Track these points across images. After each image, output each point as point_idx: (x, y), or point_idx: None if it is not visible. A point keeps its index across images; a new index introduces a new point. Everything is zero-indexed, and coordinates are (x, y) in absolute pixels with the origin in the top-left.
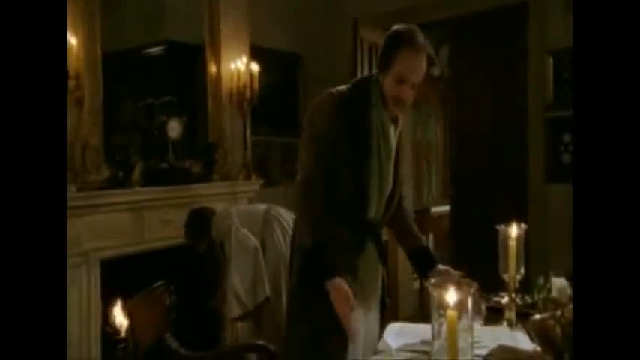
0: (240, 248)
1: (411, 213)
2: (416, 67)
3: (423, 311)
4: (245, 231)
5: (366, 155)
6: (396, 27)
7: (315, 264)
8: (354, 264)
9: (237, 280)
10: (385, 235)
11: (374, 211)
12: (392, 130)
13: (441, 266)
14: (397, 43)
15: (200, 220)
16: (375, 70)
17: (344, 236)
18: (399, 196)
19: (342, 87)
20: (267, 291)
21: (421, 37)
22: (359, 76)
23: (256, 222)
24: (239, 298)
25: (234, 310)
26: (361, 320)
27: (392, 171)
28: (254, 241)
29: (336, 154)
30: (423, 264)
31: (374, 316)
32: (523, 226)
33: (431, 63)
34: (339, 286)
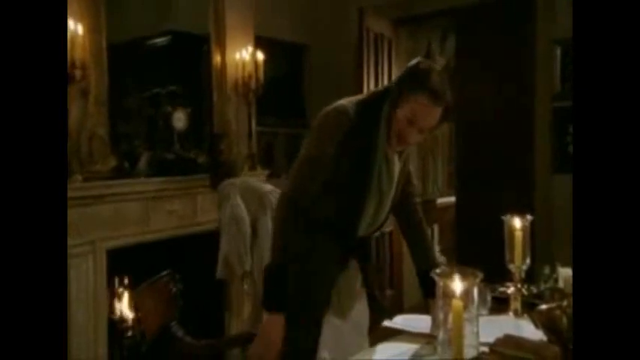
0: (232, 218)
1: (421, 215)
2: (429, 115)
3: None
4: (240, 203)
5: (366, 184)
6: (422, 63)
7: (269, 287)
8: (333, 277)
9: (225, 246)
10: (390, 225)
11: (364, 232)
12: (396, 158)
13: None
14: (419, 86)
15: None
16: (386, 83)
17: (328, 250)
18: (393, 209)
19: (351, 104)
20: (248, 267)
21: (445, 86)
22: (364, 66)
23: (253, 200)
24: (225, 262)
25: (219, 271)
26: (336, 327)
27: (392, 196)
28: (246, 216)
29: (337, 176)
30: (431, 288)
31: (358, 315)
32: (529, 216)
33: (447, 114)
34: (275, 326)
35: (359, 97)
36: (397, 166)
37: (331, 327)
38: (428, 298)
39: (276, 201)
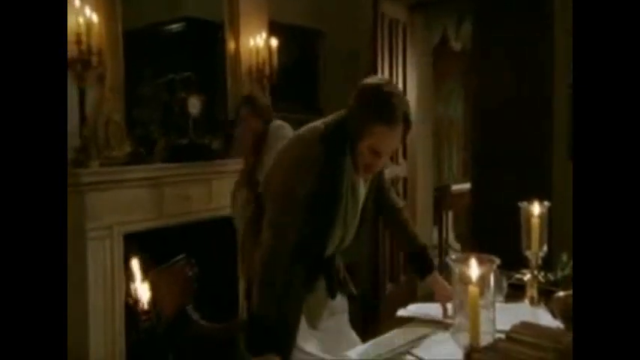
0: None
1: (401, 204)
2: (392, 141)
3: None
4: None
5: (332, 219)
6: (369, 87)
7: (258, 338)
8: (301, 297)
9: None
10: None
11: (331, 251)
12: (362, 183)
13: (439, 277)
14: (373, 117)
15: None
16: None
17: (296, 273)
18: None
19: (318, 136)
20: None
21: (398, 102)
22: (379, 51)
23: None
24: None
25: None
26: (310, 333)
27: (359, 218)
28: None
29: (305, 210)
30: (422, 268)
31: (330, 319)
32: (546, 203)
33: (407, 128)
34: None
35: (323, 124)
36: (363, 190)
37: (304, 334)
38: (422, 280)
39: (263, 251)
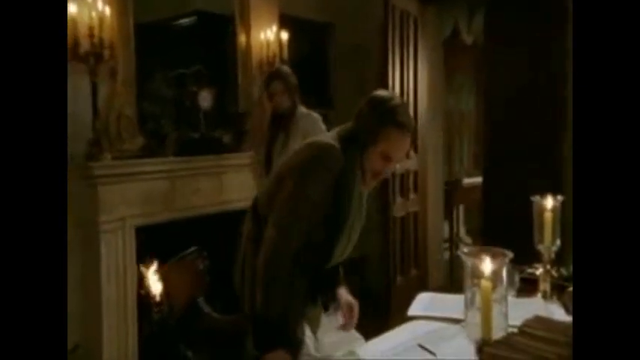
0: None
1: None
2: (403, 146)
3: (453, 282)
4: None
5: (343, 225)
6: (380, 96)
7: (262, 333)
8: (301, 311)
9: None
10: (403, 210)
11: (334, 262)
12: (365, 195)
13: (344, 295)
14: (384, 121)
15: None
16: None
17: (300, 288)
18: None
19: (336, 144)
20: None
21: (407, 112)
22: (390, 44)
23: None
24: None
25: None
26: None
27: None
28: None
29: (316, 210)
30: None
31: (331, 320)
32: (559, 197)
33: (414, 139)
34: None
35: (336, 134)
36: (365, 199)
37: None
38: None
39: (265, 248)
